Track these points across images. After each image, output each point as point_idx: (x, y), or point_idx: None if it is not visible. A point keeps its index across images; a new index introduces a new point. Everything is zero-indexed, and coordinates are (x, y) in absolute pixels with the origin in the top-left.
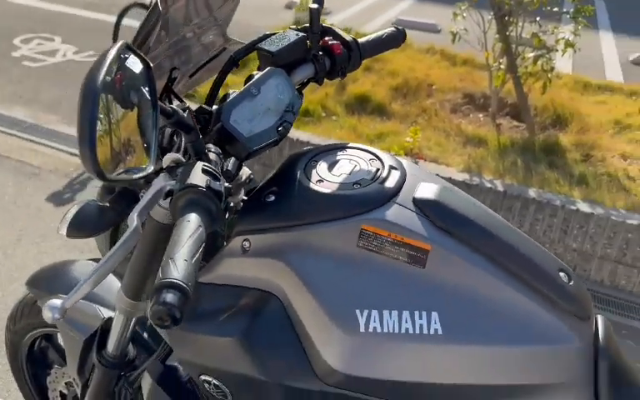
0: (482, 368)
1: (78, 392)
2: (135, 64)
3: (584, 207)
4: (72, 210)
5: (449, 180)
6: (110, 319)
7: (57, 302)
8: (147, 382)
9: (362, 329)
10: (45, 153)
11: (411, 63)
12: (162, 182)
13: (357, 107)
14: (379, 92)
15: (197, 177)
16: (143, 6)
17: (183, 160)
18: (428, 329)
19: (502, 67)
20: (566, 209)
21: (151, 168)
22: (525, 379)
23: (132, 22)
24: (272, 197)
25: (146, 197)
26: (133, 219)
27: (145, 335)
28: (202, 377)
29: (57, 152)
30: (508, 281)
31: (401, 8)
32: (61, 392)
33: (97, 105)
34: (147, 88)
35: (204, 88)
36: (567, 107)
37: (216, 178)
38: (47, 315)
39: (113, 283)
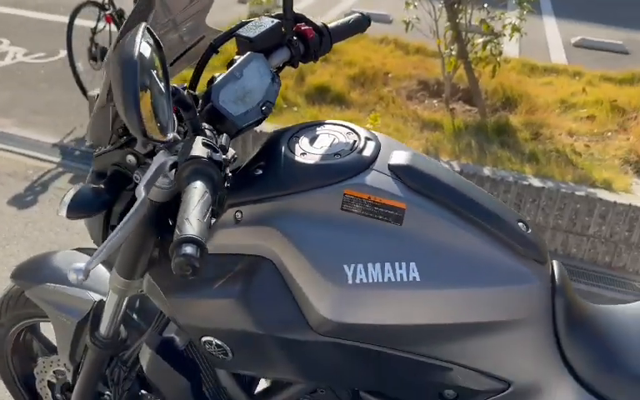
0: (454, 309)
1: (69, 377)
2: (145, 47)
3: (535, 182)
4: (69, 193)
5: None
6: (102, 302)
7: (80, 264)
8: (146, 354)
9: (349, 281)
10: (1, 157)
11: (366, 53)
12: (162, 158)
13: (317, 98)
14: (338, 82)
15: (199, 149)
16: (96, 4)
17: (180, 137)
18: (408, 277)
19: (453, 53)
20: (519, 185)
21: (171, 135)
22: (492, 316)
23: (86, 23)
24: (260, 172)
25: (149, 171)
26: (141, 191)
27: (135, 316)
28: (204, 339)
29: (14, 156)
30: (475, 232)
31: (353, 0)
32: (49, 381)
33: (137, 75)
34: (159, 69)
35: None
36: (516, 89)
37: (215, 150)
38: (73, 277)
39: (101, 270)
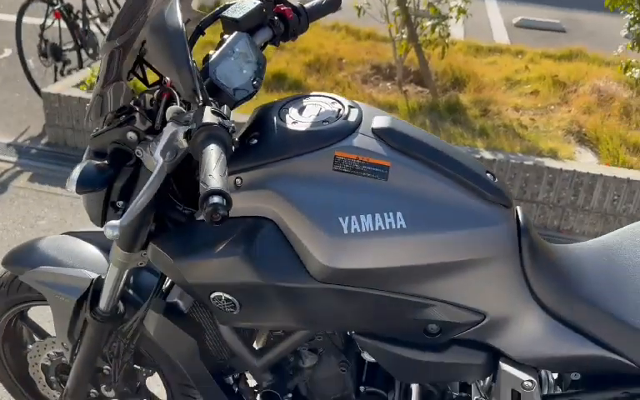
0: (435, 250)
1: (67, 357)
2: None
3: (487, 155)
4: (75, 170)
5: None
6: (100, 279)
7: (115, 222)
8: (152, 319)
9: (345, 232)
10: None
11: (320, 40)
12: (172, 128)
13: (275, 85)
14: (294, 69)
15: (210, 116)
16: (44, 0)
17: (184, 110)
18: (396, 225)
19: (404, 37)
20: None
21: (201, 97)
22: (468, 255)
23: (33, 20)
24: (255, 141)
25: (162, 140)
26: (158, 158)
27: (130, 291)
28: (213, 295)
29: None
30: (450, 183)
31: None
32: (42, 365)
33: (185, 38)
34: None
35: None
36: (464, 69)
37: (224, 117)
38: (109, 233)
39: (93, 251)
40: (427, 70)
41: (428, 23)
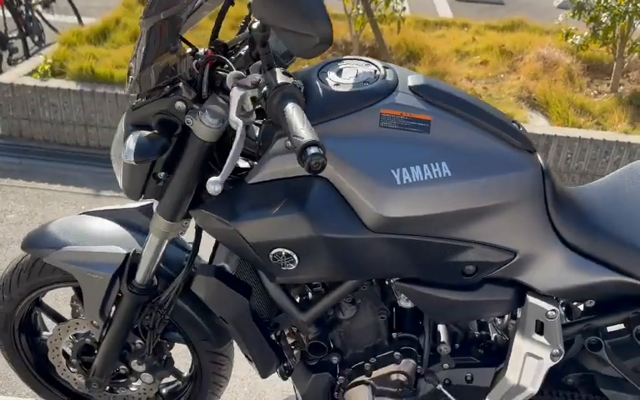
0: (475, 195)
1: (95, 335)
2: None
3: None
4: (130, 142)
5: None
6: (134, 253)
7: (216, 178)
8: (203, 283)
9: (398, 183)
10: None
11: None
12: (239, 91)
13: None
14: None
15: (281, 77)
16: None
17: (244, 74)
18: (441, 174)
19: (360, 12)
20: None
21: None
22: (502, 198)
23: None
24: None
25: (232, 105)
26: (237, 121)
27: (161, 265)
28: (274, 252)
29: None
30: (484, 132)
31: None
32: (63, 349)
33: None
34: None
35: None
36: (416, 43)
37: (291, 77)
38: (212, 188)
39: (117, 227)
40: (383, 45)
41: None
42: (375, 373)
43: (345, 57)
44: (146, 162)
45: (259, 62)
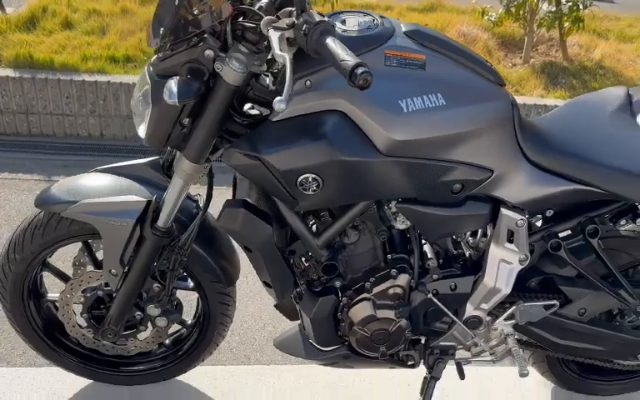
0: (464, 120)
1: (112, 285)
2: None
3: None
4: (171, 86)
5: None
6: (155, 200)
7: (280, 97)
8: (230, 216)
9: (405, 111)
10: None
11: None
12: (277, 33)
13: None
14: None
15: (317, 16)
16: None
17: (276, 19)
18: (438, 103)
19: None
20: None
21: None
22: (483, 124)
23: None
24: None
25: (275, 45)
26: (282, 55)
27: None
28: (301, 178)
29: None
30: (467, 69)
31: None
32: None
33: None
34: None
35: None
36: None
37: (324, 16)
38: (278, 106)
39: (130, 180)
40: None
41: None
42: (375, 290)
43: (344, 11)
44: (189, 101)
45: (287, 9)
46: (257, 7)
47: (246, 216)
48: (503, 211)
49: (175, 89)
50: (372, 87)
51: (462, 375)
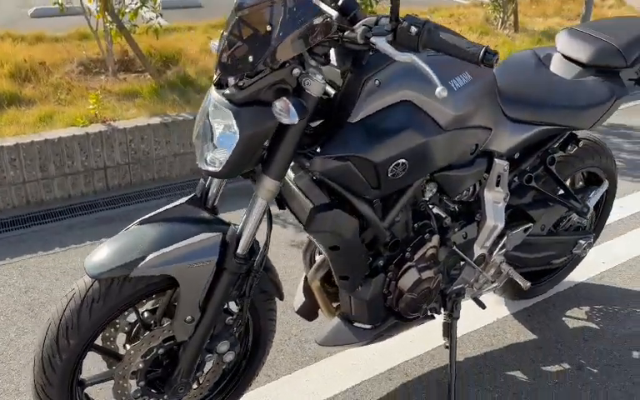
0: (480, 93)
1: (187, 333)
2: None
3: None
4: (282, 107)
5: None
6: (233, 227)
7: (441, 87)
8: (324, 219)
9: (454, 89)
10: None
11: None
12: (381, 38)
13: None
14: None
15: (417, 18)
16: None
17: (370, 27)
18: (467, 80)
19: (111, 27)
20: None
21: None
22: (489, 95)
23: None
24: (371, 53)
25: (390, 51)
26: (408, 56)
27: None
28: (394, 164)
29: None
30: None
31: None
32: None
33: None
34: None
35: None
36: (169, 48)
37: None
38: (441, 93)
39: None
40: (141, 54)
41: (129, 9)
42: (416, 256)
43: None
44: (304, 118)
45: (373, 18)
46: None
47: (339, 215)
48: (496, 161)
49: (293, 109)
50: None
51: (482, 305)
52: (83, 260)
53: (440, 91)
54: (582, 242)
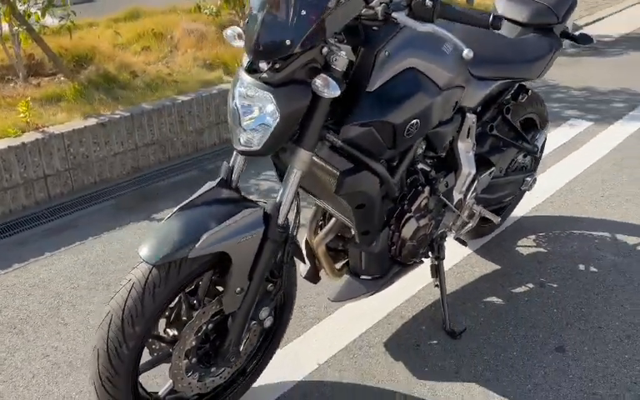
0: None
1: (237, 304)
2: None
3: (167, 103)
4: (326, 83)
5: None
6: (272, 202)
7: (467, 49)
8: (353, 181)
9: (447, 54)
10: None
11: None
12: (402, 13)
13: None
14: None
15: None
16: None
17: (389, 2)
18: (452, 46)
19: (21, 30)
20: (156, 110)
21: None
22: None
23: None
24: (375, 28)
25: (412, 23)
26: (429, 26)
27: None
28: (409, 125)
29: None
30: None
31: None
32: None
33: None
34: None
35: None
36: (79, 46)
37: None
38: (467, 55)
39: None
40: (53, 55)
41: (34, 9)
42: (413, 207)
43: None
44: (341, 92)
45: None
46: None
47: (366, 175)
48: (468, 115)
49: (333, 83)
50: (427, 44)
51: (465, 243)
52: (49, 271)
53: (467, 53)
54: (528, 179)
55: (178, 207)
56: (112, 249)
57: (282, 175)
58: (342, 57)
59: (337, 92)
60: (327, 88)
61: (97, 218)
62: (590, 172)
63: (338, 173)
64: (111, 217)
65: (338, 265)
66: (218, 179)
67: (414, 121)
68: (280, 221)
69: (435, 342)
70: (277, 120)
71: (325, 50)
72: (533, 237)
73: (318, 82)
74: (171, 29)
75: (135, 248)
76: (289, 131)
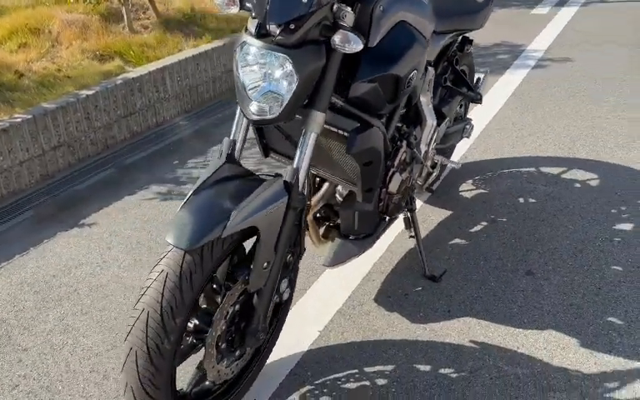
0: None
1: (264, 280)
2: None
3: (69, 99)
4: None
5: None
6: (289, 169)
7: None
8: (362, 138)
9: (426, 4)
10: None
11: None
12: None
13: None
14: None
15: None
16: None
17: None
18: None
19: None
20: (81, 101)
21: None
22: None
23: None
24: None
25: None
26: None
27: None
28: (410, 75)
29: None
30: None
31: None
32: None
33: None
34: None
35: None
36: None
37: None
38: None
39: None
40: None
41: None
42: (395, 162)
43: None
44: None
45: None
46: None
47: (375, 131)
48: (429, 69)
49: (354, 36)
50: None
51: (433, 192)
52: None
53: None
54: (467, 127)
55: (192, 189)
56: (48, 263)
57: (265, 149)
58: (350, 13)
59: (359, 46)
60: (349, 43)
61: (17, 234)
62: (500, 118)
63: (348, 134)
64: (33, 231)
65: (321, 231)
66: (224, 156)
67: (413, 72)
68: (301, 187)
69: (420, 288)
70: (297, 83)
71: (335, 7)
72: (471, 181)
73: (338, 38)
74: (47, 23)
75: (73, 258)
76: (306, 93)
